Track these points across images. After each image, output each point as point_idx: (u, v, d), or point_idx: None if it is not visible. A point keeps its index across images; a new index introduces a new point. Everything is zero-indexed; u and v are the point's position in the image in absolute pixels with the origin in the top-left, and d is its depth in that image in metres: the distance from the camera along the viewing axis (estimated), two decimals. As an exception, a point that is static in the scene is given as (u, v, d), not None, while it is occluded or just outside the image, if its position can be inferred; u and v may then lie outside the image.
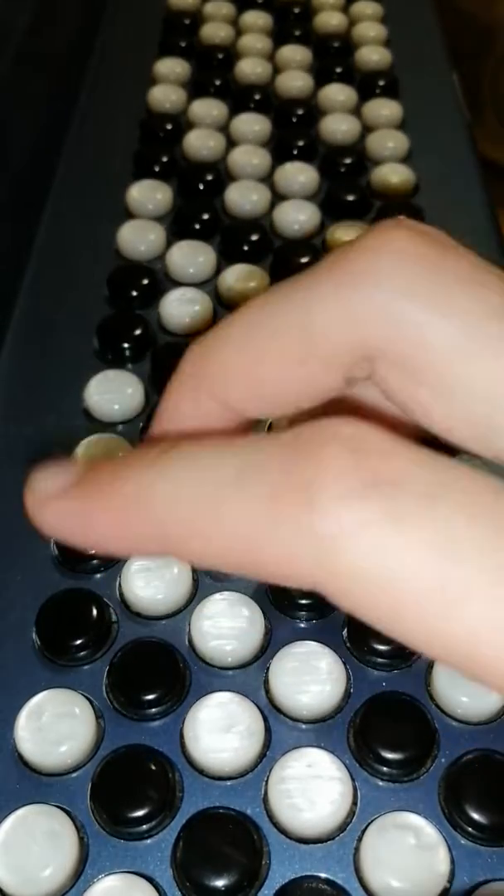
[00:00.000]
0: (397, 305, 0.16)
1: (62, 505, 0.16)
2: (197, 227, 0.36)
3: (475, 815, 0.21)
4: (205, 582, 0.25)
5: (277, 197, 0.38)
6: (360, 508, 0.13)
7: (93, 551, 0.21)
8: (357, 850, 0.21)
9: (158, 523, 0.15)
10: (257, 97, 0.43)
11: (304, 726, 0.23)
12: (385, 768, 0.22)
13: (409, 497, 0.13)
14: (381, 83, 0.44)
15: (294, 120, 0.42)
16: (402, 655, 0.24)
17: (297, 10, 0.50)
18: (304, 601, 0.25)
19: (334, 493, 0.14)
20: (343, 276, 0.17)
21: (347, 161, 0.39)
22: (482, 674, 0.13)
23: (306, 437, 0.14)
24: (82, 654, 0.24)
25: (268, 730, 0.23)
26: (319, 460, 0.14)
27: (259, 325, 0.17)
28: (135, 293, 0.33)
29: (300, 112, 0.42)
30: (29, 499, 0.17)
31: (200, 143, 0.40)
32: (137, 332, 0.32)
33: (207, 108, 0.42)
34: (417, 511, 0.13)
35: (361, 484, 0.14)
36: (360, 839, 0.21)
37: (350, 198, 0.38)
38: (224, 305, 0.34)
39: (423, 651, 0.14)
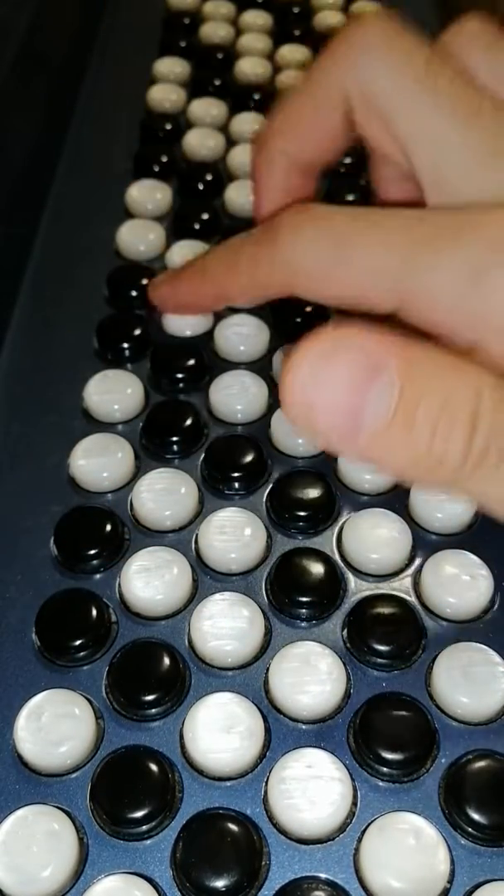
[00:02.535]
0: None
1: (162, 289, 0.32)
2: (197, 227, 0.36)
3: (475, 815, 0.21)
4: (204, 582, 0.25)
5: (277, 197, 0.38)
6: (302, 231, 0.25)
7: (178, 313, 0.32)
8: (357, 850, 0.21)
9: (208, 276, 0.29)
10: (257, 97, 0.43)
11: (304, 726, 0.23)
12: (385, 769, 0.22)
13: (340, 220, 0.25)
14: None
15: (294, 119, 0.42)
16: (402, 656, 0.24)
17: (296, 10, 0.50)
18: (304, 599, 0.25)
19: (288, 228, 0.25)
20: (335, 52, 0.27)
21: (346, 161, 0.39)
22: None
23: (275, 219, 0.26)
24: (82, 654, 0.24)
25: (268, 730, 0.23)
26: (280, 219, 0.26)
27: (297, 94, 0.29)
28: (135, 293, 0.33)
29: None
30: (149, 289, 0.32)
31: (200, 142, 0.40)
32: (137, 332, 0.32)
33: (207, 108, 0.42)
34: (340, 225, 0.24)
35: (303, 220, 0.25)
36: (360, 840, 0.21)
37: (350, 197, 0.38)
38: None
39: (331, 300, 0.26)
